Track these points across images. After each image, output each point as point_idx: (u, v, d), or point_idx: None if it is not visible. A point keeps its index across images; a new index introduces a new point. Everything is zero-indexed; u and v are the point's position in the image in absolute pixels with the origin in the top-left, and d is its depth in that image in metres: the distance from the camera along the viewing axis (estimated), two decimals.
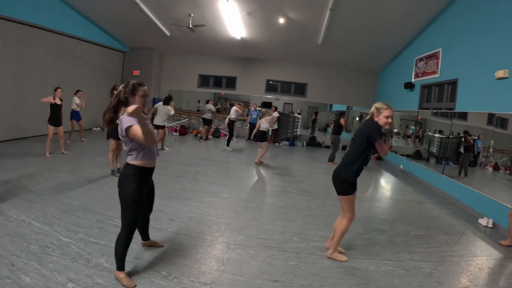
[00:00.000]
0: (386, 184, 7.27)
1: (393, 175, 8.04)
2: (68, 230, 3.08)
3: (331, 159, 8.40)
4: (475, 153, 5.77)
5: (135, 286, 2.25)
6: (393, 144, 10.02)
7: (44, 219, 3.31)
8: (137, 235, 2.64)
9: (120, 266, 2.27)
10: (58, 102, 6.22)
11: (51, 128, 6.20)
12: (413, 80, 8.21)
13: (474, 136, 5.74)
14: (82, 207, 3.76)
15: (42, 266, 2.42)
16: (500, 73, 4.82)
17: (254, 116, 11.03)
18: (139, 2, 8.25)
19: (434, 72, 7.12)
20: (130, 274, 2.38)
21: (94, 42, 10.40)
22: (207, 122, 10.18)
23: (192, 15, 8.76)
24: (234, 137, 8.91)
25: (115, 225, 3.05)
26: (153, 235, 3.03)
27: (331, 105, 14.55)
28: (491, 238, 4.15)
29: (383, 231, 4.03)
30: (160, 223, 3.51)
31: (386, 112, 2.84)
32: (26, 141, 7.67)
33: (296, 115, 12.14)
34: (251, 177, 6.21)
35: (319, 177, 6.87)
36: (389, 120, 2.84)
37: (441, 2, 6.71)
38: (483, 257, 3.55)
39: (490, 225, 4.55)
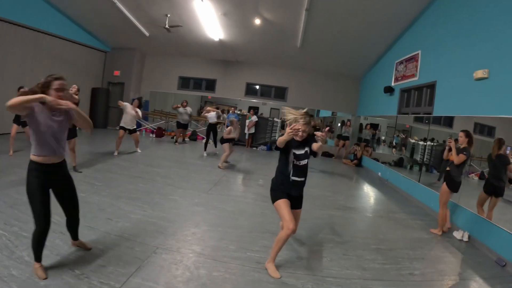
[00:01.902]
0: (358, 191, 6.79)
1: (370, 183, 7.59)
2: (5, 223, 3.05)
3: None
4: None
5: (46, 278, 2.23)
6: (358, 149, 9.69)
7: None
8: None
9: (36, 258, 2.30)
10: None
11: (15, 127, 5.91)
12: (392, 84, 7.89)
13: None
14: (27, 203, 3.45)
15: None
16: (479, 73, 4.46)
17: (232, 118, 10.67)
18: (115, 1, 8.00)
19: (413, 75, 6.80)
20: (46, 268, 2.35)
21: (75, 41, 10.15)
22: (182, 126, 9.76)
23: (168, 15, 8.53)
24: (210, 141, 8.43)
25: (53, 222, 2.72)
26: (84, 233, 2.92)
27: (318, 111, 14.30)
28: (464, 254, 3.75)
29: (338, 243, 3.60)
30: (96, 222, 3.35)
31: (296, 126, 2.60)
32: None
33: (275, 119, 11.75)
34: (212, 180, 5.74)
35: None
36: (299, 130, 2.63)
37: (420, 4, 6.45)
38: (450, 276, 3.15)
39: (465, 238, 4.13)
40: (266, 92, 12.12)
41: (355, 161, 9.84)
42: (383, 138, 9.51)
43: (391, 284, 2.81)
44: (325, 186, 6.60)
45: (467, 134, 4.12)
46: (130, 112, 7.13)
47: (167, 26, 8.49)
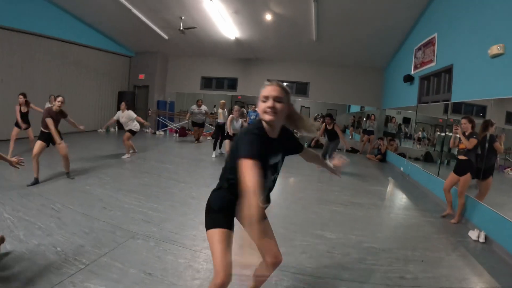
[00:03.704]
0: (371, 187, 6.19)
1: (389, 178, 7.16)
2: (13, 209, 3.45)
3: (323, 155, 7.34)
4: None
5: None
6: (398, 145, 9.08)
7: (3, 201, 3.69)
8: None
9: None
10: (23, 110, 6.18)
11: (15, 130, 6.25)
12: (412, 72, 7.39)
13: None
14: (37, 194, 4.05)
15: None
16: (494, 49, 3.97)
17: (252, 117, 10.70)
18: (131, 8, 8.38)
19: (431, 61, 6.31)
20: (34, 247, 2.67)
21: (100, 48, 10.83)
22: (197, 125, 9.92)
23: (183, 17, 8.75)
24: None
25: (53, 208, 3.58)
26: (77, 219, 3.37)
27: (349, 107, 13.92)
28: (477, 258, 3.26)
29: (326, 239, 3.39)
30: (91, 210, 3.64)
31: (263, 92, 1.58)
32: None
33: None
34: (216, 176, 5.79)
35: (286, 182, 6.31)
36: (269, 104, 1.52)
37: None
38: (451, 283, 2.69)
39: (481, 239, 3.66)
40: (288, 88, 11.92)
41: (378, 156, 9.36)
42: (419, 134, 8.63)
43: (370, 287, 2.54)
44: (333, 181, 6.29)
45: (470, 120, 4.14)
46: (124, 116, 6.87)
47: (181, 28, 8.73)
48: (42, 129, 4.71)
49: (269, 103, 1.52)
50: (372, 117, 10.35)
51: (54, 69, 9.22)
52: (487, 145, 4.07)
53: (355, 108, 13.09)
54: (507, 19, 3.92)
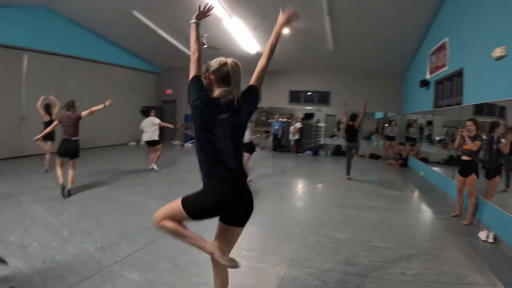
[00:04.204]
0: (387, 191, 6.22)
1: (409, 182, 7.23)
2: (55, 214, 4.01)
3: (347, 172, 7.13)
4: None
5: None
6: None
7: (46, 207, 4.27)
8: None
9: None
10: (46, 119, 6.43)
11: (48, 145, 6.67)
12: (427, 77, 7.47)
13: None
14: (77, 201, 4.63)
15: (25, 231, 3.42)
16: (497, 52, 4.09)
17: (276, 127, 11.09)
18: (156, 28, 9.12)
19: (443, 66, 6.41)
20: None
21: (128, 66, 11.78)
22: None
23: (205, 35, 9.32)
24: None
25: (92, 213, 4.14)
26: (113, 222, 3.85)
27: (373, 113, 13.97)
28: (482, 257, 3.31)
29: (335, 239, 3.65)
30: (126, 215, 4.17)
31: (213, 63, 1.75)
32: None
33: (319, 124, 11.78)
34: None
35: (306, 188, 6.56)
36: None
37: None
38: (452, 279, 2.79)
39: (490, 239, 3.70)
40: (309, 98, 12.30)
41: (400, 161, 9.38)
42: (438, 137, 8.49)
43: (372, 281, 2.72)
44: (351, 186, 6.49)
45: (475, 122, 4.29)
46: (146, 124, 7.09)
47: (205, 46, 9.31)
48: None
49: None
50: (393, 123, 10.39)
51: (86, 88, 10.08)
52: (494, 146, 4.18)
53: (379, 115, 13.14)
54: (508, 22, 4.03)
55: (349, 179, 6.92)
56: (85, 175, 6.03)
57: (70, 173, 4.90)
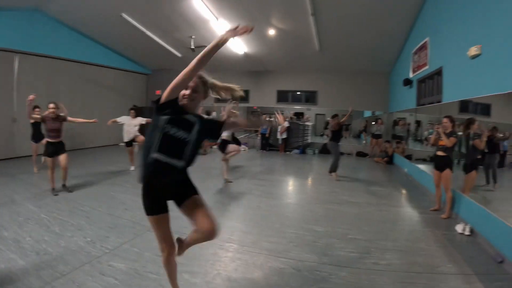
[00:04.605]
0: (370, 187, 6.30)
1: (392, 179, 7.41)
2: (48, 211, 4.17)
3: (332, 169, 7.04)
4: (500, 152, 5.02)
5: None
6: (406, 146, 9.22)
7: (39, 205, 4.42)
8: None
9: None
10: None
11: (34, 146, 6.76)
12: (411, 75, 7.72)
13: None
14: (69, 199, 4.80)
15: (19, 227, 3.57)
16: (472, 51, 4.27)
17: (264, 126, 11.24)
18: (145, 30, 9.24)
19: (425, 64, 6.66)
20: None
21: (118, 68, 11.87)
22: None
23: (193, 36, 9.51)
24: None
25: (82, 210, 4.30)
26: (103, 218, 3.92)
27: (362, 113, 14.21)
28: (457, 248, 3.44)
29: (313, 232, 3.83)
30: (116, 211, 4.37)
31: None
32: None
33: (306, 123, 12.00)
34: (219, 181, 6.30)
35: (292, 184, 6.75)
36: (187, 92, 1.95)
37: None
38: (424, 268, 2.95)
39: (467, 232, 3.83)
40: (297, 97, 12.52)
41: (385, 159, 9.63)
42: (425, 133, 8.69)
43: (345, 270, 2.87)
44: (335, 183, 6.66)
45: (451, 119, 4.48)
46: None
47: (192, 47, 9.51)
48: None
49: (188, 91, 1.90)
50: (379, 121, 10.63)
51: (76, 90, 10.18)
52: (470, 142, 4.40)
53: (368, 113, 13.39)
54: (483, 22, 4.22)
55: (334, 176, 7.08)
56: (76, 176, 6.15)
57: (63, 166, 5.09)
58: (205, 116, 2.15)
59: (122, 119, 7.19)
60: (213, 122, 2.10)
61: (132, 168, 7.30)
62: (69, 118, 5.17)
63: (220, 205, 4.76)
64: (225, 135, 6.50)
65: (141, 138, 7.10)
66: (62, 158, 5.07)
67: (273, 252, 3.21)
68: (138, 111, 7.48)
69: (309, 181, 7.09)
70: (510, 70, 3.45)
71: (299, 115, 13.80)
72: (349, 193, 5.81)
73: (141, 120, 7.24)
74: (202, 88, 1.99)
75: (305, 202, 5.24)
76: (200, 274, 2.70)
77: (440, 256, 3.25)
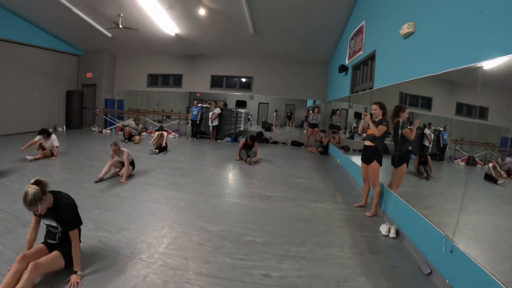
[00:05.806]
0: (293, 180, 5.77)
1: (323, 170, 6.90)
2: (13, 201, 3.54)
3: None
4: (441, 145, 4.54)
5: None
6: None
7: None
8: None
9: None
10: None
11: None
12: (346, 62, 7.30)
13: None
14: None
15: None
16: (405, 28, 3.73)
17: (194, 112, 10.49)
18: (71, 7, 8.04)
19: (360, 49, 6.21)
20: None
21: (47, 47, 10.42)
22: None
23: (121, 14, 8.46)
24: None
25: None
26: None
27: (306, 101, 13.98)
28: (377, 255, 2.86)
29: (204, 231, 3.17)
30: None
31: None
32: None
33: (239, 110, 11.34)
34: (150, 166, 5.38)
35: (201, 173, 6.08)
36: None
37: None
38: (330, 282, 2.36)
39: (392, 234, 3.30)
40: (232, 83, 11.83)
41: (320, 149, 9.28)
42: (354, 125, 8.64)
43: (222, 283, 2.27)
44: (255, 174, 6.06)
45: (381, 106, 3.94)
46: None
47: (120, 26, 8.50)
48: None
49: None
50: (316, 110, 10.25)
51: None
52: (400, 131, 3.83)
53: (310, 102, 13.09)
54: None
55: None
56: None
57: None
58: None
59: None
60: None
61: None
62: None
63: (117, 197, 4.03)
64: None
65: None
66: None
67: (143, 255, 2.59)
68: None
69: (229, 171, 6.30)
70: (445, 48, 2.91)
71: (240, 103, 13.22)
72: (266, 186, 5.15)
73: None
74: None
75: (210, 195, 4.44)
76: None
77: (352, 266, 2.66)
